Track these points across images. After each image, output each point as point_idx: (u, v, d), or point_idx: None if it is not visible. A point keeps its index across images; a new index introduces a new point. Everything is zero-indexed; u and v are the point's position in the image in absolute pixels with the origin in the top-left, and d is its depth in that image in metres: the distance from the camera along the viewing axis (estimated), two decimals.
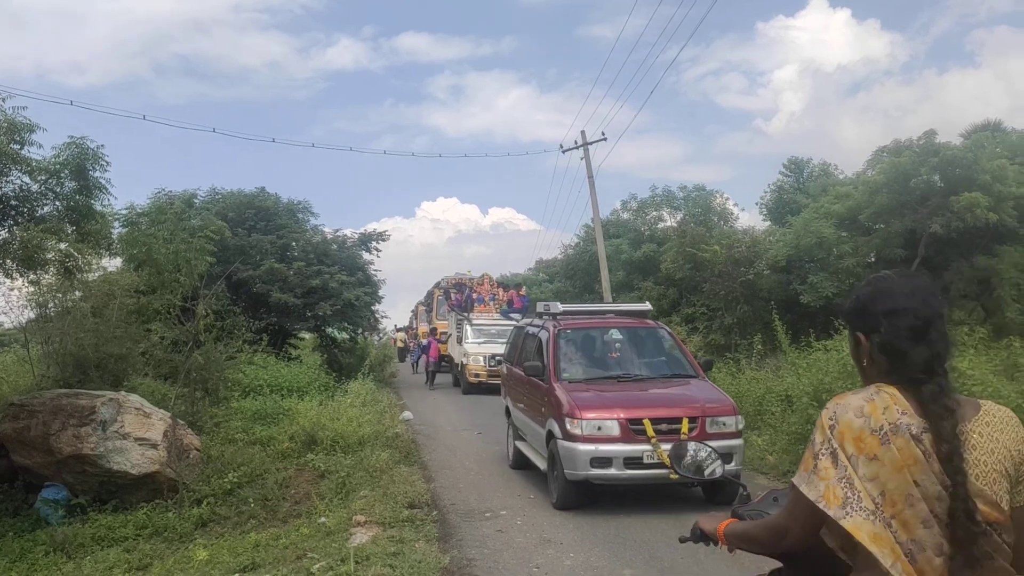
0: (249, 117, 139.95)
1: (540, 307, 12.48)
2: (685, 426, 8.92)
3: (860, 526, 1.90)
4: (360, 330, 28.17)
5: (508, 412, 12.47)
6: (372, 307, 26.46)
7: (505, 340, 23.24)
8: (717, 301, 22.02)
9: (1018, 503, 1.98)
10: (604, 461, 8.88)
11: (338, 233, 26.74)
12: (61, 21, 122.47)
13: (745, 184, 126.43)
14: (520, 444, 11.52)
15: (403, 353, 41.90)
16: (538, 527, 8.62)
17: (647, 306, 12.40)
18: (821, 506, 1.95)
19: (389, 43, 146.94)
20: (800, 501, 2.02)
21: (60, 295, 13.48)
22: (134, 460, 10.33)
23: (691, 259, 23.05)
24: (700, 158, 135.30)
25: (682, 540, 2.83)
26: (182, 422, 11.57)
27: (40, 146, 12.67)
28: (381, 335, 45.96)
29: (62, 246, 12.60)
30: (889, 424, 1.95)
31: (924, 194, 20.52)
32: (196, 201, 23.02)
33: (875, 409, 1.98)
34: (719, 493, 9.20)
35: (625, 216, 32.35)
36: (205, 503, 10.09)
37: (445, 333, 28.96)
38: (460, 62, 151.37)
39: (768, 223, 30.09)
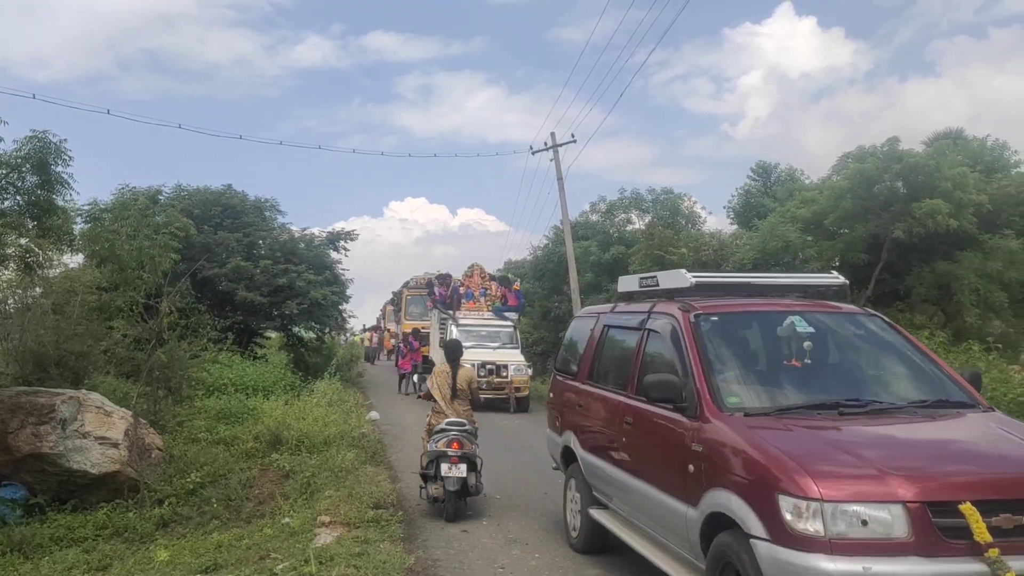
0: (216, 114, 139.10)
1: (633, 282, 7.70)
2: None
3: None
4: (327, 329, 28.03)
5: (569, 457, 8.11)
6: (339, 306, 26.38)
7: (500, 344, 21.80)
8: None
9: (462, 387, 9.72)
10: None
11: (306, 232, 26.63)
12: (22, 13, 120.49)
13: (712, 187, 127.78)
14: (603, 515, 7.27)
15: (371, 354, 41.61)
16: (504, 527, 8.64)
17: (839, 279, 7.37)
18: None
19: (357, 42, 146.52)
20: None
21: (20, 291, 13.25)
22: (94, 459, 10.18)
23: (659, 261, 23.14)
24: (668, 161, 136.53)
25: None
26: (144, 421, 11.42)
27: (1, 139, 12.47)
28: (348, 335, 45.72)
29: (22, 241, 12.39)
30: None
31: (887, 200, 20.82)
32: (161, 198, 22.81)
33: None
34: None
35: (594, 218, 32.45)
36: (167, 503, 9.97)
37: (413, 333, 26.24)
38: (429, 62, 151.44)
39: (735, 226, 30.38)
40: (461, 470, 9.17)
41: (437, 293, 23.99)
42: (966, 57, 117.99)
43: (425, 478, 9.54)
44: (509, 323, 22.95)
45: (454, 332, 21.08)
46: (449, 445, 9.29)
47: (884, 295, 22.44)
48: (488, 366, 20.23)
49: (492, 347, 21.40)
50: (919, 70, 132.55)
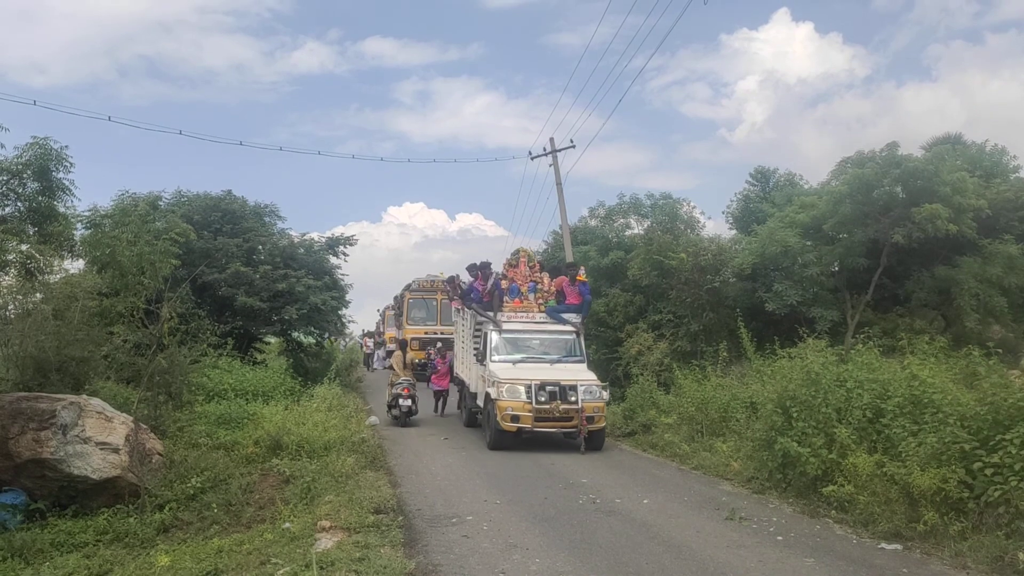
0: (214, 120, 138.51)
1: None
2: None
3: None
4: (327, 334, 28.02)
5: None
6: (339, 311, 26.34)
7: (559, 356, 16.27)
8: (683, 308, 22.13)
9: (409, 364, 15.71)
10: None
11: (305, 237, 26.62)
12: (19, 19, 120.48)
13: (709, 192, 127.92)
14: None
15: (368, 360, 41.41)
16: (504, 532, 8.63)
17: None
18: None
19: (355, 47, 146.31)
20: None
21: (21, 297, 13.27)
22: (95, 464, 10.19)
23: (658, 266, 23.12)
24: (665, 166, 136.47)
25: None
26: (145, 426, 11.43)
27: (2, 146, 12.51)
28: (348, 339, 45.64)
29: (23, 247, 12.43)
30: None
31: (886, 205, 20.83)
32: (161, 203, 22.82)
33: None
34: None
35: (593, 223, 32.39)
36: (167, 508, 9.98)
37: (432, 342, 24.51)
38: (426, 67, 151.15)
39: (734, 231, 30.36)
40: (409, 402, 18.04)
41: (470, 289, 18.23)
42: (962, 62, 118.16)
43: (389, 407, 18.44)
44: (570, 328, 16.86)
45: (494, 341, 16.26)
46: (402, 390, 18.04)
47: (884, 300, 22.44)
48: (548, 389, 14.59)
49: (549, 361, 16.10)
50: (916, 75, 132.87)
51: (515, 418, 14.31)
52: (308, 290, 23.26)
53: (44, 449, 10.05)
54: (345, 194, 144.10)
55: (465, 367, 18.70)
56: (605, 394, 15.15)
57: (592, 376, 15.45)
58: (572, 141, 27.81)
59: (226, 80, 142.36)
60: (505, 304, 17.03)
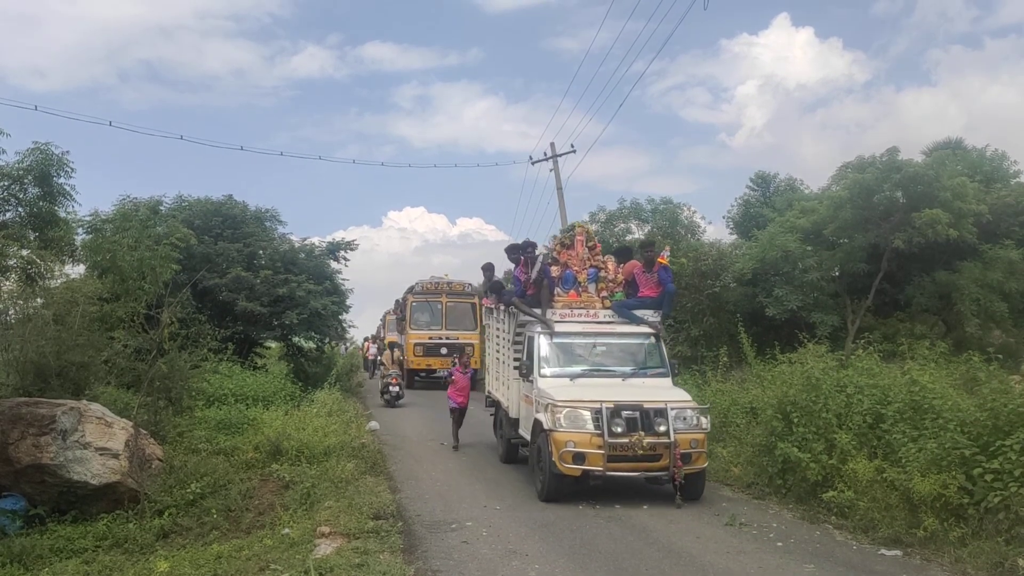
0: (215, 124, 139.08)
1: None
2: None
3: None
4: (327, 339, 27.99)
5: None
6: (339, 316, 26.30)
7: (635, 367, 12.06)
8: (684, 313, 22.15)
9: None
10: None
11: (306, 241, 26.58)
12: (19, 24, 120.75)
13: (709, 196, 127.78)
14: None
15: (370, 365, 41.12)
16: (504, 538, 8.63)
17: None
18: None
19: (355, 52, 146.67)
20: None
21: (21, 302, 13.28)
22: (95, 470, 10.19)
23: None
24: (666, 171, 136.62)
25: None
26: (145, 432, 11.43)
27: (3, 151, 12.53)
28: (348, 344, 45.56)
29: (24, 252, 12.44)
30: None
31: (887, 210, 20.86)
32: (162, 208, 22.80)
33: None
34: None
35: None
36: (167, 514, 9.97)
37: (436, 347, 25.17)
38: (426, 72, 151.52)
39: (735, 236, 30.38)
40: (396, 389, 22.89)
41: (517, 271, 13.44)
42: (962, 67, 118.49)
43: (382, 393, 23.25)
44: (647, 329, 12.39)
45: (544, 349, 11.92)
46: (392, 380, 22.96)
47: (884, 305, 22.45)
48: (626, 414, 10.30)
49: (621, 375, 11.85)
50: (915, 80, 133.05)
51: (579, 457, 10.15)
52: (309, 295, 23.23)
53: (44, 454, 10.05)
54: (345, 199, 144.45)
55: (501, 383, 14.32)
56: (705, 421, 10.84)
57: (684, 395, 11.31)
58: (573, 146, 27.81)
59: (226, 85, 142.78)
60: (557, 297, 12.65)
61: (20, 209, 12.42)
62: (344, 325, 28.04)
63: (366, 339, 49.25)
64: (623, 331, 12.31)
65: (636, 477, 10.54)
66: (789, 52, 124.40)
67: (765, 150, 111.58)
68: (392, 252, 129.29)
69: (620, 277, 13.04)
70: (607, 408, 10.23)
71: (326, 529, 8.57)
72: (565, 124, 66.85)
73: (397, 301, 34.22)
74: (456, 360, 17.37)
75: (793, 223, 22.87)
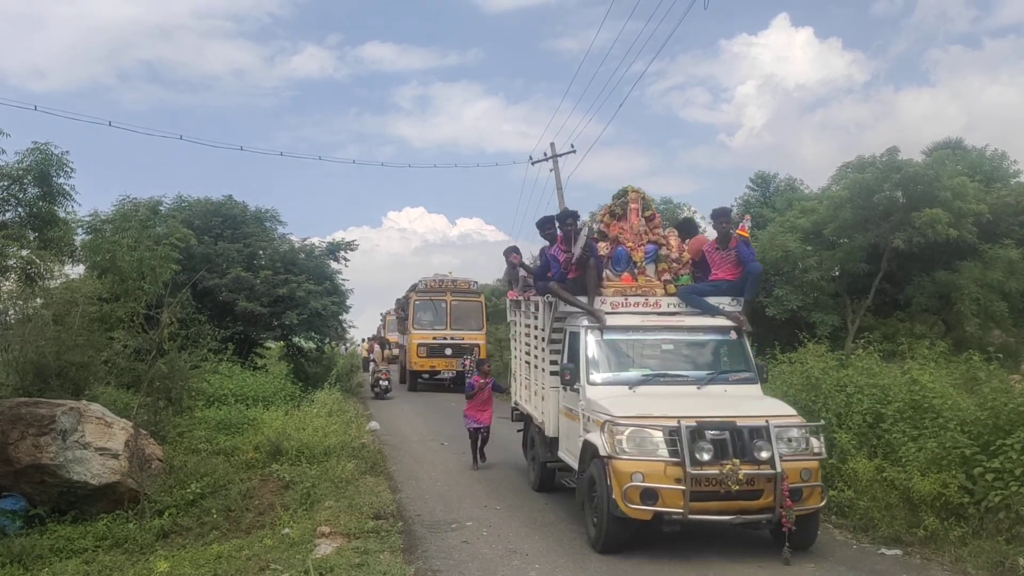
0: (215, 124, 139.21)
1: None
2: None
3: None
4: (327, 339, 27.97)
5: None
6: (339, 316, 26.28)
7: (710, 373, 9.21)
8: None
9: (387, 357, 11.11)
10: None
11: (306, 242, 26.56)
12: (19, 24, 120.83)
13: (709, 197, 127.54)
14: None
15: (367, 364, 40.93)
16: (504, 538, 8.62)
17: None
18: None
19: (354, 52, 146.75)
20: None
21: (21, 302, 13.27)
22: (94, 470, 10.19)
23: None
24: (666, 171, 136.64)
25: None
26: (144, 432, 11.43)
27: (3, 151, 12.52)
28: (348, 344, 45.49)
29: (24, 252, 12.43)
30: None
31: (887, 209, 20.88)
32: (162, 208, 22.79)
33: None
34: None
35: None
36: (167, 514, 9.97)
37: (441, 348, 25.43)
38: (426, 72, 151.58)
39: None
40: (385, 383, 25.03)
41: (546, 263, 10.39)
42: (961, 67, 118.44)
43: (372, 386, 25.24)
44: (724, 323, 9.58)
45: (592, 348, 9.18)
46: (381, 375, 25.06)
47: (884, 304, 22.46)
48: (712, 435, 7.66)
49: (696, 382, 9.11)
50: (915, 80, 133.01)
51: (649, 495, 7.52)
52: (309, 295, 23.22)
53: (43, 455, 10.05)
54: (345, 199, 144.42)
55: (532, 393, 11.44)
56: (817, 443, 8.06)
57: (786, 408, 8.46)
58: (572, 146, 27.69)
59: (226, 85, 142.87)
60: (607, 282, 9.79)
61: (20, 209, 12.42)
62: (344, 325, 27.99)
63: (368, 339, 49.20)
64: (695, 324, 9.50)
65: (729, 521, 7.82)
66: (789, 52, 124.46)
67: (765, 150, 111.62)
68: (392, 252, 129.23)
69: (686, 256, 10.19)
70: (687, 427, 7.54)
71: (326, 529, 8.56)
72: (565, 124, 66.97)
73: (398, 300, 33.68)
74: (469, 365, 15.80)
75: (793, 223, 22.90)
